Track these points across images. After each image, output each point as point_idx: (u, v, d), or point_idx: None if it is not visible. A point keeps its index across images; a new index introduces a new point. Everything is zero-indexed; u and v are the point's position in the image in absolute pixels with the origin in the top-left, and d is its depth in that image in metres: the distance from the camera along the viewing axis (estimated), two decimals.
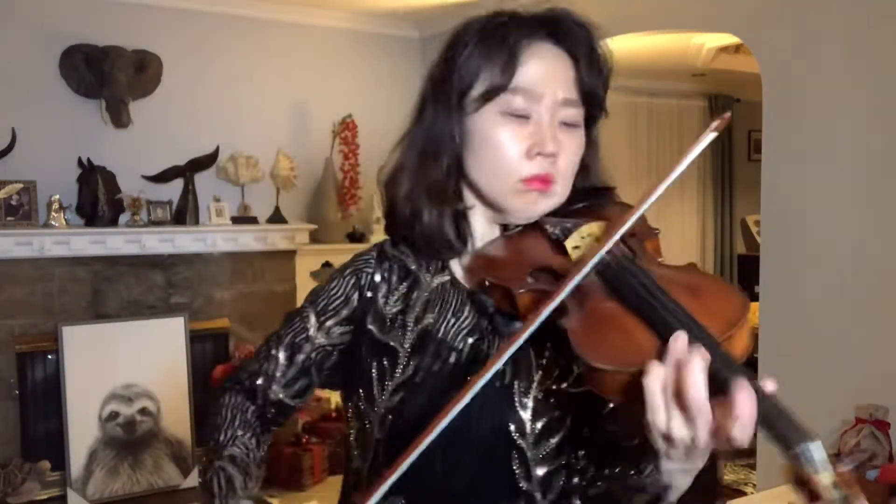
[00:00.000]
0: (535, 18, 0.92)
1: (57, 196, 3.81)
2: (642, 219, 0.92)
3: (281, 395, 1.02)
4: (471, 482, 0.91)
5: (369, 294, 0.99)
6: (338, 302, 1.00)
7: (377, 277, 1.00)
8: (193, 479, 3.95)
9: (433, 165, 0.94)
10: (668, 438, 0.70)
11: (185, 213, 4.14)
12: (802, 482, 0.61)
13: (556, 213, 0.92)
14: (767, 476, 3.05)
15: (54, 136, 3.92)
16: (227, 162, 4.28)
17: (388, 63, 4.89)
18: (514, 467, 0.89)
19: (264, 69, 4.46)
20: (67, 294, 3.90)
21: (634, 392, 0.68)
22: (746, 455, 4.44)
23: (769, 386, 0.69)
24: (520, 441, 0.89)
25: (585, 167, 0.97)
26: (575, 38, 0.92)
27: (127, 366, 3.90)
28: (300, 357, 1.01)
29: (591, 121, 0.96)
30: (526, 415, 0.89)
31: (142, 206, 4.00)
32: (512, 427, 0.89)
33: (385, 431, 0.92)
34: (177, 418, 3.97)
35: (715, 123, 0.77)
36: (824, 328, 2.85)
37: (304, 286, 4.53)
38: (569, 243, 0.86)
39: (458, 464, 0.90)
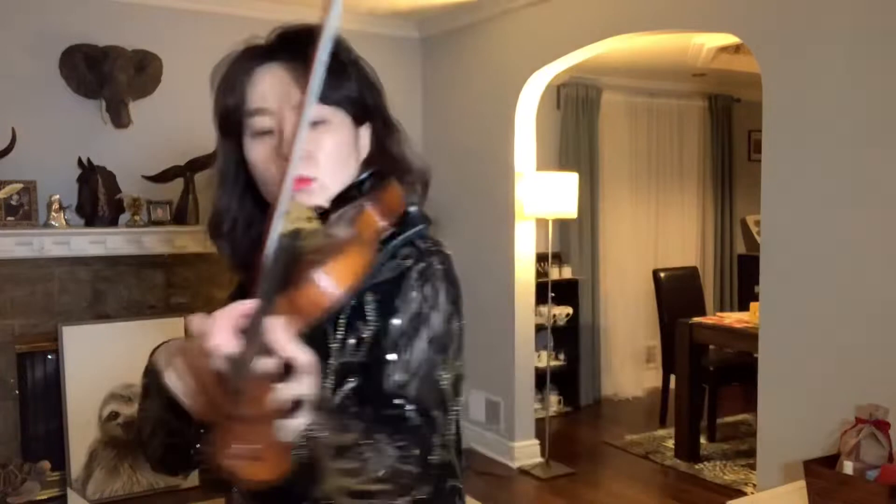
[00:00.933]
0: (262, 46, 1.05)
1: (57, 196, 3.81)
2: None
3: None
4: None
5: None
6: None
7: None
8: (194, 479, 3.96)
9: (222, 200, 1.06)
10: None
11: (185, 213, 4.14)
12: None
13: (340, 201, 1.00)
14: (767, 476, 3.05)
15: (54, 136, 3.92)
16: None
17: (388, 63, 4.89)
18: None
19: None
20: (67, 294, 3.90)
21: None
22: (746, 455, 4.44)
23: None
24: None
25: (380, 155, 1.06)
26: (292, 50, 1.02)
27: (127, 366, 3.89)
28: None
29: (363, 104, 1.05)
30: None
31: (142, 206, 4.00)
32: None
33: None
34: None
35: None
36: (824, 328, 2.85)
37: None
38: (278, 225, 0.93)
39: None
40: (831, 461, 2.53)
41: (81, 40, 3.92)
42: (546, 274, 4.91)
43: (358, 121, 1.05)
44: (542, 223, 4.56)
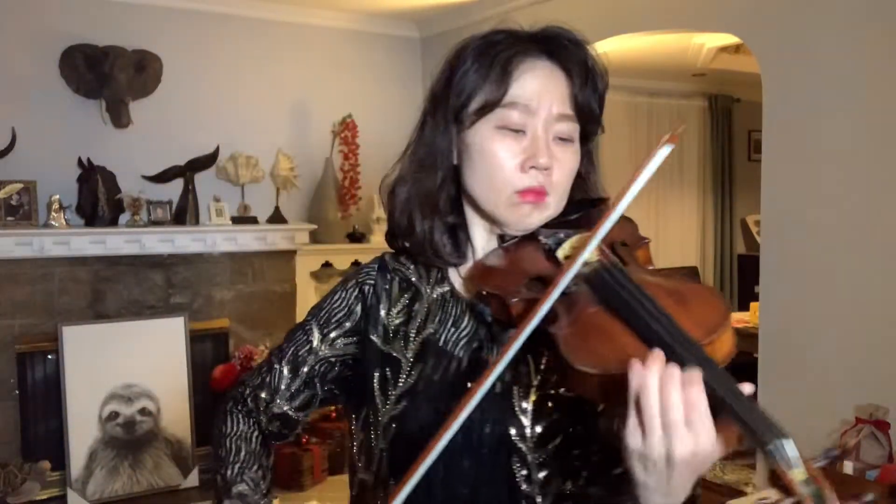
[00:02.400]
0: (531, 36, 0.97)
1: (57, 196, 3.81)
2: (631, 229, 0.92)
3: (286, 408, 1.04)
4: (472, 487, 0.92)
5: (372, 305, 1.01)
6: (341, 314, 1.02)
7: (379, 289, 1.02)
8: (193, 479, 3.96)
9: (429, 178, 0.96)
10: (643, 457, 0.70)
11: (185, 213, 4.14)
12: (777, 478, 0.62)
13: (551, 225, 0.94)
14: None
15: (54, 136, 3.92)
16: (227, 162, 4.28)
17: (388, 63, 4.90)
18: (515, 471, 0.90)
19: (264, 69, 4.46)
20: (67, 294, 3.90)
21: (617, 397, 0.70)
22: (746, 455, 4.44)
23: (747, 388, 0.68)
24: (520, 445, 0.89)
25: (582, 180, 0.99)
26: (569, 55, 0.95)
27: (127, 366, 3.90)
28: (304, 369, 1.02)
29: (586, 135, 0.97)
30: (525, 419, 0.90)
31: (142, 206, 4.00)
32: (512, 431, 0.90)
33: (388, 440, 0.94)
34: (177, 418, 3.97)
35: (667, 137, 0.79)
36: (824, 328, 2.85)
37: (304, 286, 4.54)
38: (560, 253, 0.87)
39: (459, 470, 0.91)
40: (831, 461, 2.53)
41: (81, 40, 3.92)
42: None
43: (583, 142, 0.97)
44: None
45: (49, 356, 3.81)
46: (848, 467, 2.45)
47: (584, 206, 0.96)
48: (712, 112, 6.46)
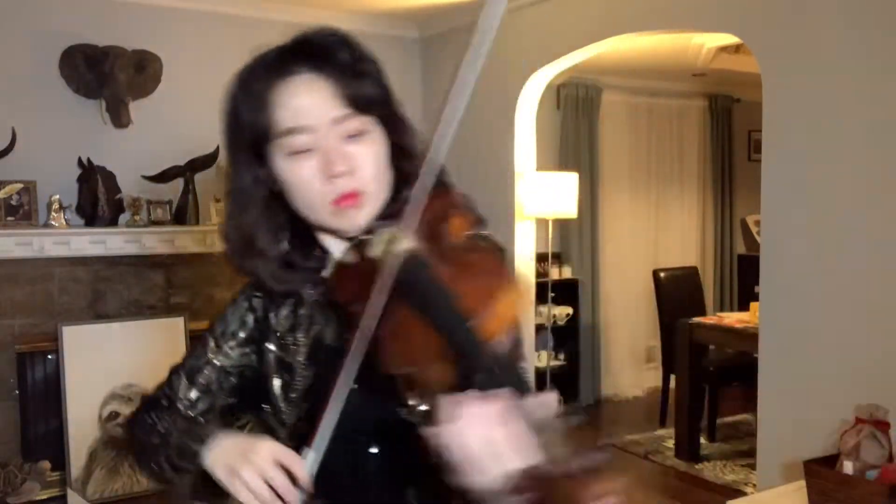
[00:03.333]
0: (282, 54, 0.97)
1: (57, 196, 3.81)
2: (447, 199, 0.93)
3: (191, 413, 1.10)
4: (380, 467, 0.99)
5: (262, 316, 1.08)
6: (234, 326, 1.10)
7: (265, 299, 1.08)
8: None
9: (246, 219, 1.00)
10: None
11: (185, 213, 4.14)
12: None
13: (388, 215, 0.95)
14: (767, 476, 3.05)
15: (54, 136, 3.92)
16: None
17: (388, 63, 4.85)
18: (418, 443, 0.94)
19: None
20: (67, 294, 3.90)
21: (429, 393, 0.75)
22: (746, 455, 4.44)
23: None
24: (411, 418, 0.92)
25: (401, 150, 1.01)
26: (323, 56, 0.95)
27: (127, 366, 3.89)
28: (200, 378, 1.09)
29: (385, 115, 0.99)
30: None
31: (142, 206, 4.00)
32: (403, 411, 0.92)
33: (297, 441, 0.98)
34: None
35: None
36: (824, 328, 2.86)
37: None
38: (375, 253, 0.88)
39: (365, 454, 0.99)
40: (831, 461, 2.53)
41: (81, 40, 3.92)
42: (546, 274, 4.91)
43: (383, 122, 1.00)
44: (542, 223, 4.56)
45: (49, 356, 3.81)
46: (848, 467, 2.45)
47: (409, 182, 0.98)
48: (712, 112, 6.46)
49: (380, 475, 1.00)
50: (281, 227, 1.01)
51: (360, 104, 0.95)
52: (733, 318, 4.53)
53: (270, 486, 0.90)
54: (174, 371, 1.12)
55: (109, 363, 3.86)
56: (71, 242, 3.84)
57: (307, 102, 0.93)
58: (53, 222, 3.78)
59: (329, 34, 0.99)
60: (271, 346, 1.06)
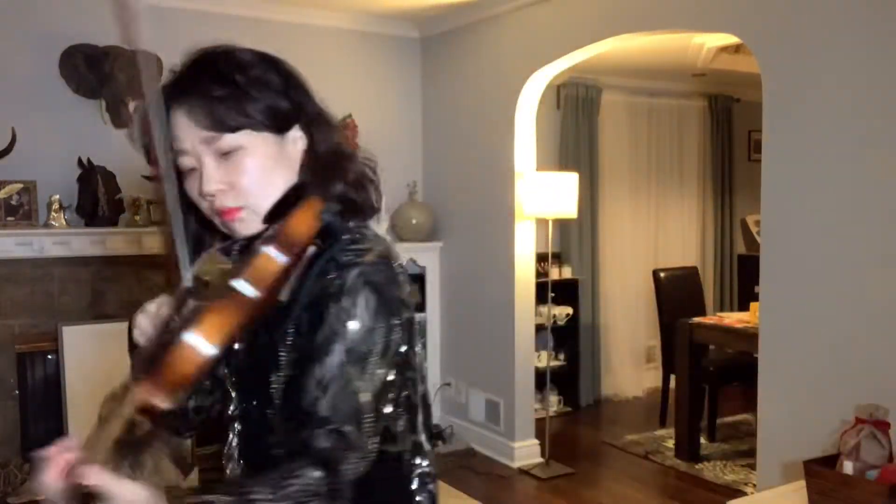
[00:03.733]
0: (167, 87, 1.05)
1: (57, 196, 3.81)
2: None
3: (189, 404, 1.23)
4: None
5: None
6: None
7: None
8: (194, 479, 3.95)
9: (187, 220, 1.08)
10: None
11: None
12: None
13: (274, 218, 1.03)
14: (767, 476, 3.05)
15: (54, 136, 3.92)
16: None
17: (388, 63, 4.90)
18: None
19: None
20: (67, 294, 3.90)
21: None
22: (746, 455, 4.44)
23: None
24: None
25: (313, 154, 1.09)
26: (184, 89, 1.03)
27: (127, 366, 3.88)
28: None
29: (280, 123, 1.05)
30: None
31: (142, 206, 4.00)
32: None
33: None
34: None
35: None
36: (824, 328, 2.86)
37: None
38: (197, 272, 1.02)
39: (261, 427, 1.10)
40: (831, 461, 2.53)
41: (81, 40, 3.92)
42: (546, 274, 4.90)
43: (280, 129, 1.05)
44: (542, 223, 4.56)
45: (49, 356, 3.81)
46: (848, 467, 2.44)
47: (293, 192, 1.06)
48: (712, 112, 6.46)
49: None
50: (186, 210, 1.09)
51: (224, 125, 1.01)
52: (733, 318, 4.53)
53: None
54: None
55: (109, 363, 3.86)
56: (71, 242, 3.84)
57: (180, 129, 1.02)
58: (53, 222, 3.78)
59: (197, 64, 1.05)
60: None
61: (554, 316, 5.21)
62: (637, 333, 6.10)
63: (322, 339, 0.98)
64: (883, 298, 2.68)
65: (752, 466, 3.78)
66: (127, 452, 0.85)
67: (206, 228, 1.10)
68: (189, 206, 1.07)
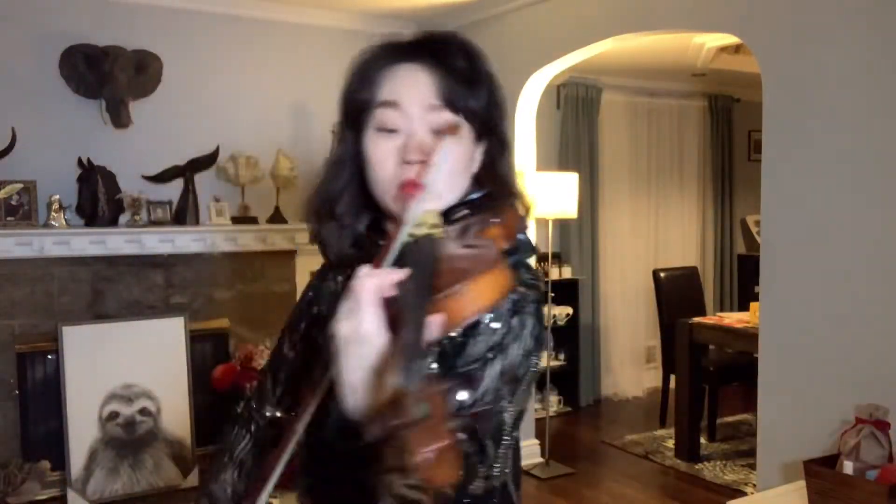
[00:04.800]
0: (399, 45, 1.02)
1: (57, 196, 3.81)
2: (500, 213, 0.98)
3: (277, 412, 1.14)
4: (366, 464, 0.99)
5: (313, 305, 1.13)
6: (297, 317, 1.16)
7: (318, 289, 1.14)
8: (193, 479, 3.96)
9: (332, 185, 1.05)
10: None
11: (185, 213, 4.14)
12: (398, 399, 0.69)
13: (448, 214, 0.98)
14: (767, 476, 3.05)
15: (54, 136, 3.92)
16: (227, 162, 4.28)
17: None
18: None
19: (264, 69, 4.46)
20: (67, 294, 3.90)
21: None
22: (746, 455, 4.44)
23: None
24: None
25: (489, 171, 1.03)
26: (436, 55, 0.99)
27: (127, 366, 3.90)
28: (282, 375, 1.14)
29: (486, 129, 1.02)
30: None
31: (142, 206, 4.00)
32: None
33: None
34: (177, 418, 3.98)
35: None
36: (824, 328, 2.85)
37: (304, 286, 4.53)
38: (406, 230, 0.91)
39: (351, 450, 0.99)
40: (831, 461, 2.53)
41: (81, 40, 3.92)
42: (546, 274, 4.91)
43: (478, 136, 1.02)
44: (542, 223, 4.57)
45: (49, 356, 3.81)
46: (848, 467, 2.45)
47: (486, 197, 1.02)
48: (712, 112, 6.46)
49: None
50: (362, 206, 1.04)
51: (456, 105, 0.98)
52: (733, 318, 4.53)
53: None
54: (262, 370, 1.18)
55: (109, 363, 3.86)
56: (71, 242, 3.84)
57: (407, 84, 0.98)
58: (53, 222, 3.78)
59: (451, 39, 1.02)
60: (317, 337, 1.10)
61: (554, 316, 5.21)
62: (637, 333, 6.10)
63: (480, 349, 0.94)
64: (883, 298, 2.68)
65: (752, 466, 3.78)
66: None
67: (362, 202, 1.05)
68: (351, 174, 1.03)
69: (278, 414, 1.14)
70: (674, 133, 6.31)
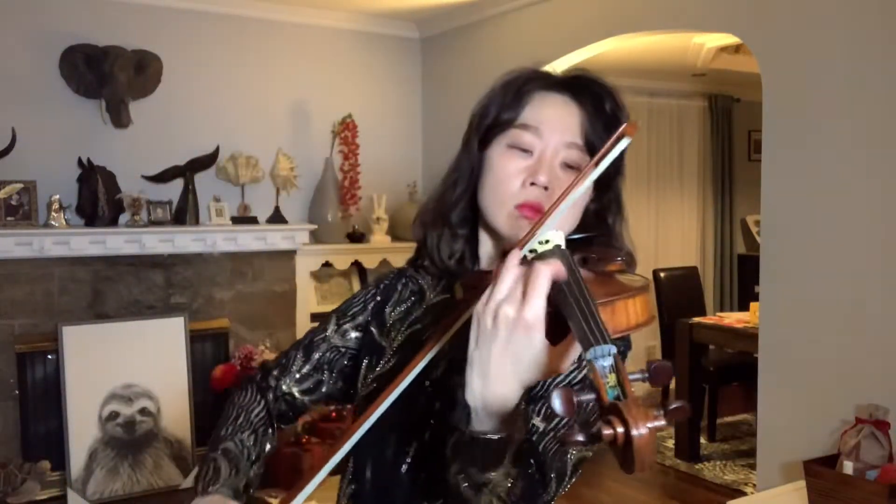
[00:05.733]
0: (555, 76, 1.03)
1: (57, 196, 3.81)
2: (614, 253, 0.96)
3: (293, 389, 1.14)
4: (418, 467, 0.99)
5: (381, 303, 1.13)
6: (356, 308, 1.15)
7: (391, 290, 1.14)
8: (193, 479, 3.95)
9: (448, 192, 1.05)
10: (477, 316, 0.76)
11: (185, 213, 4.14)
12: (594, 381, 0.66)
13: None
14: (767, 476, 3.05)
15: (54, 136, 3.92)
16: (227, 162, 4.28)
17: (388, 63, 4.90)
18: None
19: (264, 69, 4.46)
20: (67, 294, 3.90)
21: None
22: (746, 455, 4.44)
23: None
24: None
25: (602, 222, 1.03)
26: (589, 94, 1.00)
27: (127, 366, 3.90)
28: (315, 355, 1.14)
29: (607, 181, 1.00)
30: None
31: (142, 206, 4.00)
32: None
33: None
34: (177, 418, 3.98)
35: (623, 128, 0.85)
36: (824, 328, 2.85)
37: (304, 286, 4.54)
38: (526, 248, 0.88)
39: (407, 451, 0.99)
40: (831, 461, 2.53)
41: (81, 40, 3.92)
42: None
43: (596, 187, 1.00)
44: None
45: (49, 356, 3.82)
46: (848, 467, 2.45)
47: (592, 240, 1.00)
48: (712, 112, 6.46)
49: (409, 485, 1.00)
50: (467, 218, 1.04)
51: (592, 147, 0.97)
52: (733, 318, 4.53)
53: None
54: (294, 345, 1.17)
55: (109, 363, 3.86)
56: (71, 242, 3.84)
57: (554, 115, 0.98)
58: (53, 222, 3.78)
59: (602, 81, 1.02)
60: (374, 331, 1.11)
61: None
62: (637, 333, 6.08)
63: (561, 377, 0.93)
64: (883, 298, 2.68)
65: (752, 466, 3.78)
66: None
67: (466, 248, 1.05)
68: (466, 187, 1.02)
69: (294, 391, 1.14)
70: (674, 133, 6.31)
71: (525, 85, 1.00)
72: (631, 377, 0.65)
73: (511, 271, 0.75)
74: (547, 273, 0.73)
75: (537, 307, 0.72)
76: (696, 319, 4.58)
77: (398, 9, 4.57)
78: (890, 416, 2.49)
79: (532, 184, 0.95)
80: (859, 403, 2.62)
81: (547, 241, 0.85)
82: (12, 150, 3.72)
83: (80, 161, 3.92)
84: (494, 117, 1.00)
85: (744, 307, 5.30)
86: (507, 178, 0.97)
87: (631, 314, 0.81)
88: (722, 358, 4.87)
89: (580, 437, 0.61)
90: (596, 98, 0.99)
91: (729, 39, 4.63)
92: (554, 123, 0.97)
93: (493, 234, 1.02)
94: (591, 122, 0.98)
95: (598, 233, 1.02)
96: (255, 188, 4.40)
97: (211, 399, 4.07)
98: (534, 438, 0.90)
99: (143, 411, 3.92)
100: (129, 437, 3.87)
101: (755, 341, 3.18)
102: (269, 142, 4.41)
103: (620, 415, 0.60)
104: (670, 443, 4.69)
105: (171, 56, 4.14)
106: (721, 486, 4.12)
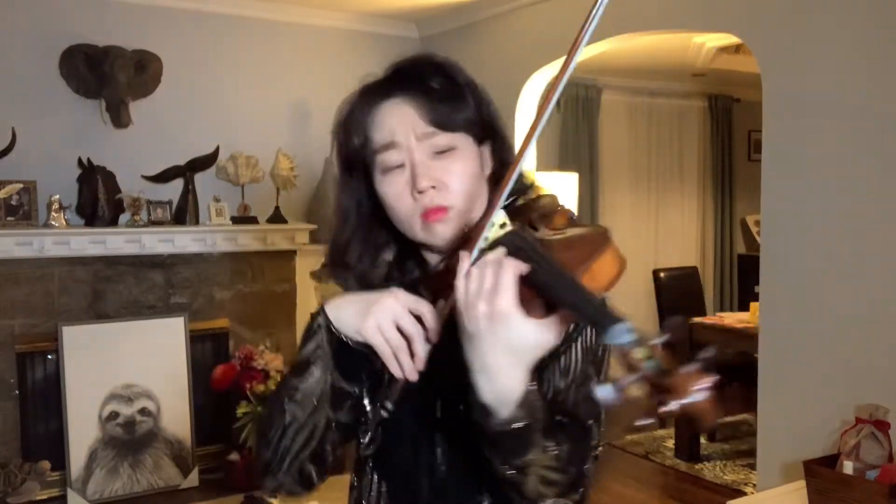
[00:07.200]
0: (376, 83, 1.05)
1: (57, 196, 3.81)
2: (551, 202, 1.01)
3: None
4: (447, 463, 1.00)
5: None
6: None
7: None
8: (193, 479, 3.96)
9: (339, 234, 1.06)
10: (464, 306, 0.80)
11: (185, 213, 4.14)
12: (625, 360, 0.67)
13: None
14: (767, 476, 3.05)
15: (54, 136, 3.92)
16: (227, 162, 4.28)
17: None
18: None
19: (264, 69, 4.46)
20: (67, 294, 3.90)
21: None
22: (746, 455, 4.44)
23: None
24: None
25: (503, 170, 1.04)
26: (411, 82, 1.02)
27: (127, 366, 3.90)
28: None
29: (486, 136, 1.04)
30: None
31: (142, 206, 4.00)
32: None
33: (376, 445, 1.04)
34: (177, 418, 3.98)
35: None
36: (824, 328, 2.85)
37: (304, 286, 4.54)
38: (476, 248, 0.91)
39: (434, 448, 1.00)
40: (831, 461, 2.53)
41: (81, 40, 3.92)
42: None
43: (479, 140, 1.04)
44: None
45: (49, 356, 3.82)
46: (848, 467, 2.45)
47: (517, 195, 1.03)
48: (712, 112, 6.46)
49: (441, 491, 1.01)
50: (381, 245, 1.06)
51: (446, 124, 0.99)
52: (733, 318, 4.53)
53: (401, 332, 0.90)
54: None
55: (109, 363, 3.86)
56: (71, 242, 3.84)
57: (395, 121, 1.00)
58: (53, 222, 3.78)
59: (421, 62, 1.05)
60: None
61: None
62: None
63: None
64: (883, 298, 2.68)
65: (752, 466, 3.78)
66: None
67: (390, 238, 1.07)
68: (369, 216, 1.05)
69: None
70: (674, 133, 6.31)
71: (358, 112, 1.02)
72: (655, 342, 0.66)
73: (466, 277, 0.80)
74: (502, 264, 0.77)
75: (507, 296, 0.76)
76: (696, 319, 4.58)
77: (398, 9, 4.57)
78: (890, 416, 2.49)
79: (419, 192, 0.97)
80: (859, 403, 2.62)
81: (492, 224, 0.87)
82: (12, 150, 3.72)
83: (80, 161, 3.92)
84: (351, 153, 1.03)
85: (744, 307, 5.30)
86: (398, 200, 0.99)
87: (607, 270, 0.82)
88: (722, 358, 4.86)
89: (646, 421, 0.64)
90: (420, 80, 1.01)
91: (729, 39, 4.63)
92: (399, 128, 0.99)
93: (423, 247, 1.04)
94: (428, 104, 0.99)
95: (517, 188, 1.03)
96: (255, 188, 4.40)
97: (211, 399, 4.07)
98: (559, 399, 0.93)
99: (143, 411, 3.92)
100: (129, 437, 3.87)
101: (755, 341, 3.18)
102: (269, 142, 4.41)
103: (672, 390, 0.61)
104: (670, 443, 4.69)
105: (171, 56, 4.13)
106: (721, 486, 4.12)
